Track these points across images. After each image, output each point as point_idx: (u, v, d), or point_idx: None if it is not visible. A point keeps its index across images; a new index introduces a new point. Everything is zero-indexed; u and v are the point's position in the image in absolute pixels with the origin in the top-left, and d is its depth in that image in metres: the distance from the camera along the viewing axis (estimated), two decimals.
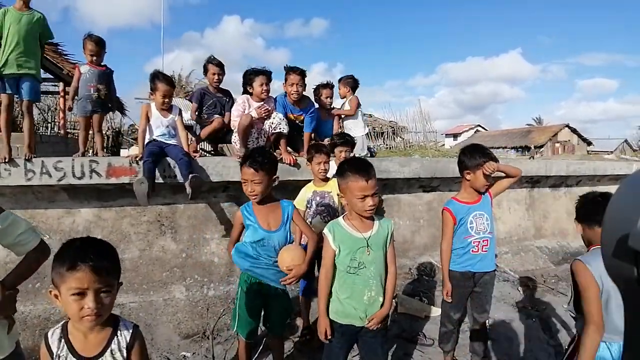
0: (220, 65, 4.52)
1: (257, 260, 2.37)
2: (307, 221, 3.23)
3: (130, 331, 1.53)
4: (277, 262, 2.35)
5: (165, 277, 3.87)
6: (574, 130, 35.68)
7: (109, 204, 3.86)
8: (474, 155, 2.79)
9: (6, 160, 3.46)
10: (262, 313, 2.55)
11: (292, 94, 4.12)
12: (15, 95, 3.84)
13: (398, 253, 4.76)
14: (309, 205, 3.32)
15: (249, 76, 4.02)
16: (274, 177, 2.44)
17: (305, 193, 3.39)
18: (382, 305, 2.21)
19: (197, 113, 4.52)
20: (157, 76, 3.73)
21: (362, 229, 2.18)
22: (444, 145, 34.30)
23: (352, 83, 5.10)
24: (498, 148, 31.89)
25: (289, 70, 4.13)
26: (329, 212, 3.27)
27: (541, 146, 31.73)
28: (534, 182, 6.00)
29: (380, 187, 4.77)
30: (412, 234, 5.01)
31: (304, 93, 4.25)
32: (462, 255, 2.82)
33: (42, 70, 8.08)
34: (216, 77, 4.49)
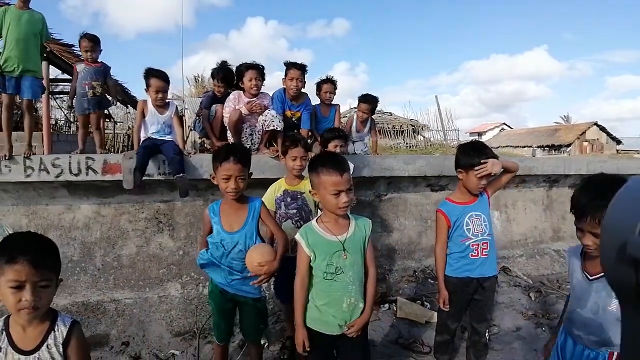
0: (224, 80, 4.39)
1: (226, 275, 2.24)
2: None
3: (68, 327, 1.49)
4: (243, 269, 2.19)
5: (161, 275, 3.77)
6: (602, 129, 34.04)
7: (108, 201, 3.79)
8: (468, 153, 2.52)
9: (7, 157, 3.44)
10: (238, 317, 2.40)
11: (292, 89, 3.95)
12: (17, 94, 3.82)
13: (403, 255, 4.60)
14: (278, 207, 2.89)
15: (241, 71, 3.88)
16: (250, 172, 2.33)
17: (275, 192, 2.94)
18: (362, 312, 2.02)
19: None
20: (150, 72, 3.62)
21: (337, 231, 1.99)
22: None
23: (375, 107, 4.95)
24: (524, 147, 30.87)
25: (290, 65, 3.97)
26: (301, 216, 2.86)
27: (569, 145, 30.46)
28: (552, 181, 5.62)
29: (385, 185, 4.57)
30: (418, 235, 4.75)
31: (302, 90, 4.07)
32: (461, 260, 2.56)
33: (60, 72, 8.30)
34: (222, 89, 4.38)
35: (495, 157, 2.57)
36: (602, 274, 1.63)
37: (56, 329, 1.47)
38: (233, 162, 2.16)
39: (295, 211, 2.86)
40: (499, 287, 4.21)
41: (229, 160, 2.16)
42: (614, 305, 1.54)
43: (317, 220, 2.05)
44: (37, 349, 1.44)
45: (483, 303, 2.62)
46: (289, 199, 2.88)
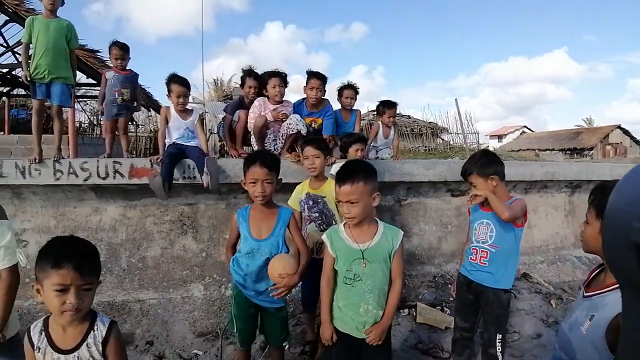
0: (257, 78, 4.40)
1: (249, 285, 2.31)
2: (303, 229, 2.96)
3: (107, 326, 1.56)
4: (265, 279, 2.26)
5: (185, 276, 3.87)
6: (625, 132, 33.21)
7: (133, 203, 3.91)
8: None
9: (36, 160, 3.57)
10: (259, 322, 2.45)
11: (311, 98, 4.05)
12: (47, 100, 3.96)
13: (423, 260, 4.61)
14: (302, 209, 3.00)
15: (264, 79, 3.98)
16: (279, 178, 2.37)
17: (299, 193, 3.06)
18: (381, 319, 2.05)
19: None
20: (171, 78, 3.73)
21: (360, 238, 2.04)
22: (488, 147, 33.00)
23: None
24: (545, 150, 30.33)
25: (311, 74, 4.08)
26: (323, 220, 2.93)
27: (591, 148, 29.83)
28: (574, 186, 5.56)
29: (404, 190, 4.60)
30: (438, 240, 4.76)
31: (322, 97, 4.16)
32: (466, 259, 2.72)
33: (85, 76, 8.54)
34: (252, 89, 4.39)
35: (498, 171, 2.54)
36: (594, 293, 1.47)
37: (95, 329, 1.54)
38: (259, 165, 2.23)
39: (317, 214, 2.94)
40: (519, 294, 4.20)
41: (255, 164, 2.24)
42: (586, 325, 1.44)
43: (344, 224, 2.12)
44: (77, 347, 1.51)
45: (485, 312, 2.64)
46: (310, 202, 2.96)
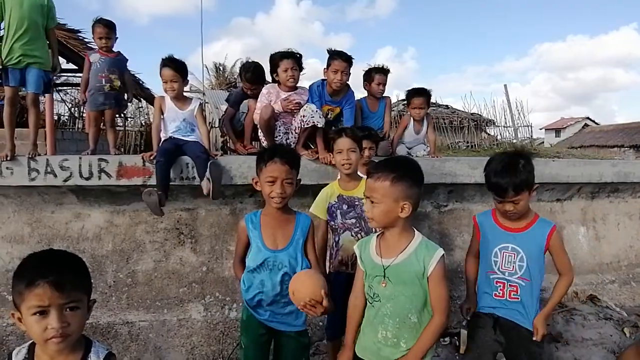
0: (254, 81, 4.47)
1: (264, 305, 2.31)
2: (334, 239, 2.94)
3: (102, 358, 1.55)
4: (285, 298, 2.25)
5: (181, 294, 3.89)
6: None
7: (122, 208, 3.95)
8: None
9: (8, 158, 3.61)
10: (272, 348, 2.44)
11: (335, 82, 3.99)
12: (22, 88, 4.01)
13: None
14: (332, 216, 2.89)
15: (274, 60, 3.96)
16: (298, 179, 2.39)
17: (327, 197, 2.94)
18: (405, 355, 1.99)
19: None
20: (162, 61, 3.76)
21: (386, 252, 2.02)
22: (542, 143, 32.51)
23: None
24: (613, 147, 29.73)
25: (334, 55, 3.99)
26: (361, 227, 2.84)
27: None
28: None
29: (445, 194, 4.54)
30: None
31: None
32: (485, 295, 2.53)
33: (65, 60, 8.67)
34: (250, 92, 4.48)
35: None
36: None
37: None
38: (280, 162, 2.23)
39: (353, 220, 2.87)
40: (585, 320, 4.11)
41: (274, 160, 2.24)
42: None
43: (378, 234, 2.11)
44: None
45: (516, 352, 2.42)
46: (345, 207, 2.89)
